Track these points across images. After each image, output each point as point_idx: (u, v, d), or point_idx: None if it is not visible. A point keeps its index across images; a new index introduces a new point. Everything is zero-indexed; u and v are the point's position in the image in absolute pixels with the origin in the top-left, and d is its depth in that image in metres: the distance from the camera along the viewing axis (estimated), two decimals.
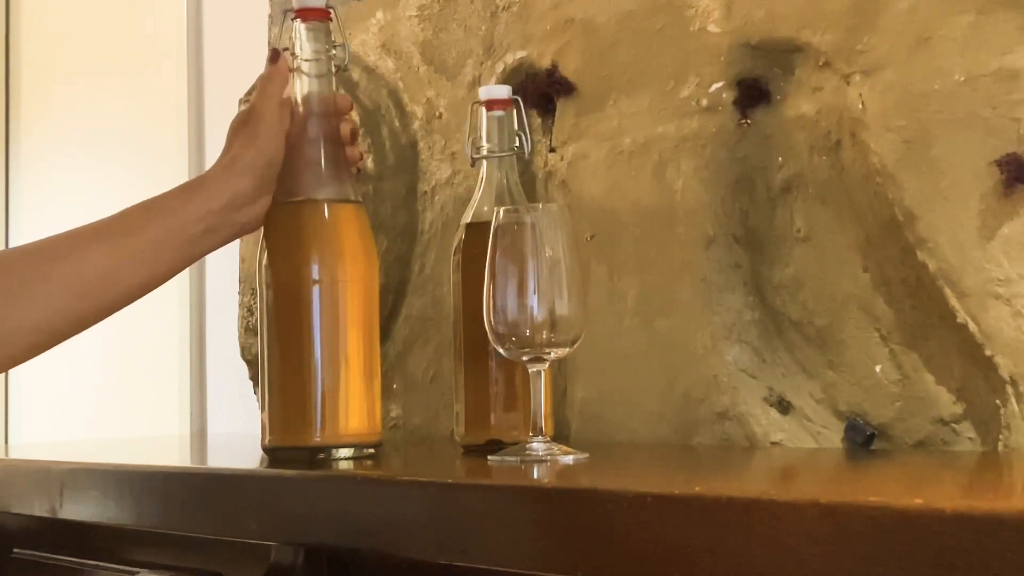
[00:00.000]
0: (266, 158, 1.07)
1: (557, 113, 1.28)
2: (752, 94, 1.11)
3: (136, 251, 1.03)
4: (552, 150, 1.29)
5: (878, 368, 1.03)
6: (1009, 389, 0.93)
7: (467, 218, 1.15)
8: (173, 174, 2.12)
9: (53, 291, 1.00)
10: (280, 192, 1.08)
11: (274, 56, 1.11)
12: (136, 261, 1.03)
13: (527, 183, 1.25)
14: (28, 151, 2.60)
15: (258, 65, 1.71)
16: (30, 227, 2.59)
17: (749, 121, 1.12)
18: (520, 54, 1.32)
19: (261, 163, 1.06)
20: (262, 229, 1.09)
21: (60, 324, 1.01)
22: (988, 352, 0.93)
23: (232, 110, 1.74)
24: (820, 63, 1.06)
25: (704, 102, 1.14)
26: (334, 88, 1.12)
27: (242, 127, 1.09)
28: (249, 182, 1.06)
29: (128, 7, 2.34)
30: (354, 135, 1.13)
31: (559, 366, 1.23)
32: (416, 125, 1.45)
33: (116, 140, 2.34)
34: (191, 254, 1.06)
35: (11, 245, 2.62)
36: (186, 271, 1.89)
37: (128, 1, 2.35)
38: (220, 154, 1.09)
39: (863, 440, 1.03)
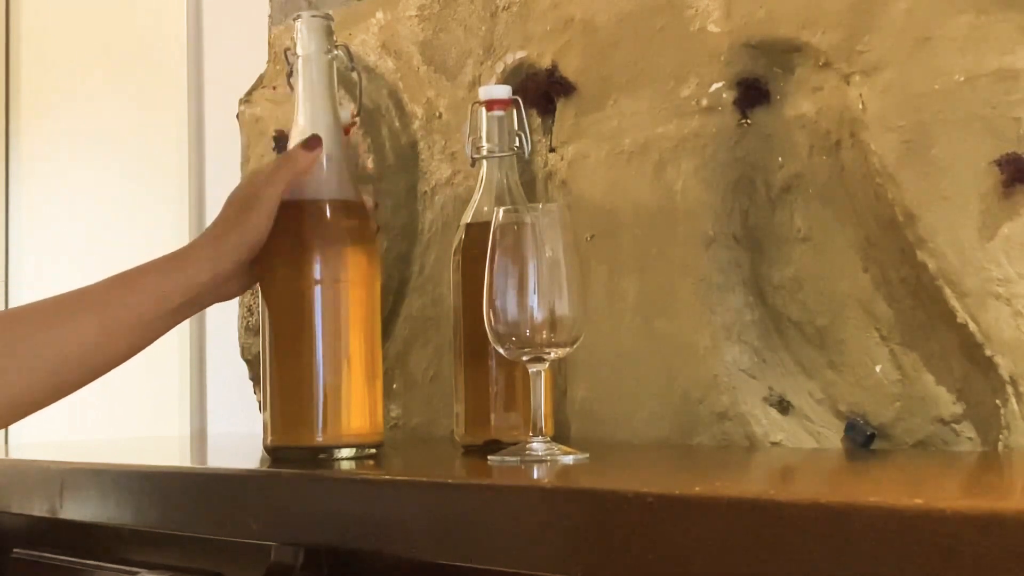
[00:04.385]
0: (250, 245, 1.06)
1: (557, 113, 1.28)
2: (752, 94, 1.11)
3: (118, 323, 1.02)
4: (552, 150, 1.29)
5: (878, 368, 1.03)
6: (1009, 389, 0.93)
7: (467, 218, 1.15)
8: (173, 174, 2.12)
9: (33, 363, 0.99)
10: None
11: (314, 144, 1.08)
12: (117, 333, 1.02)
13: (527, 183, 1.25)
14: (28, 151, 2.60)
15: (258, 65, 1.72)
16: (30, 227, 2.59)
17: (749, 121, 1.12)
18: (520, 54, 1.32)
19: (245, 249, 1.06)
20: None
21: (37, 396, 1.00)
22: (988, 352, 0.93)
23: (232, 110, 1.74)
24: (820, 63, 1.06)
25: (704, 102, 1.14)
26: (336, 88, 1.12)
27: (240, 204, 1.07)
28: (230, 264, 1.05)
29: (128, 7, 2.34)
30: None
31: (559, 366, 1.23)
32: (416, 125, 1.45)
33: (116, 140, 2.34)
34: (172, 323, 1.06)
35: (10, 247, 2.62)
36: None
37: (128, 1, 2.35)
38: (212, 222, 1.08)
39: (863, 440, 1.03)
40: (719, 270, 1.12)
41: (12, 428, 2.55)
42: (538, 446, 0.94)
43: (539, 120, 1.30)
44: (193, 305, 1.06)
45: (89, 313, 1.02)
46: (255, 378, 1.68)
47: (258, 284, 1.08)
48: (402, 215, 1.46)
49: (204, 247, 1.06)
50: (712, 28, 1.14)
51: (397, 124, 1.48)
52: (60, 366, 1.00)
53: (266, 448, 1.09)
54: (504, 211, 0.97)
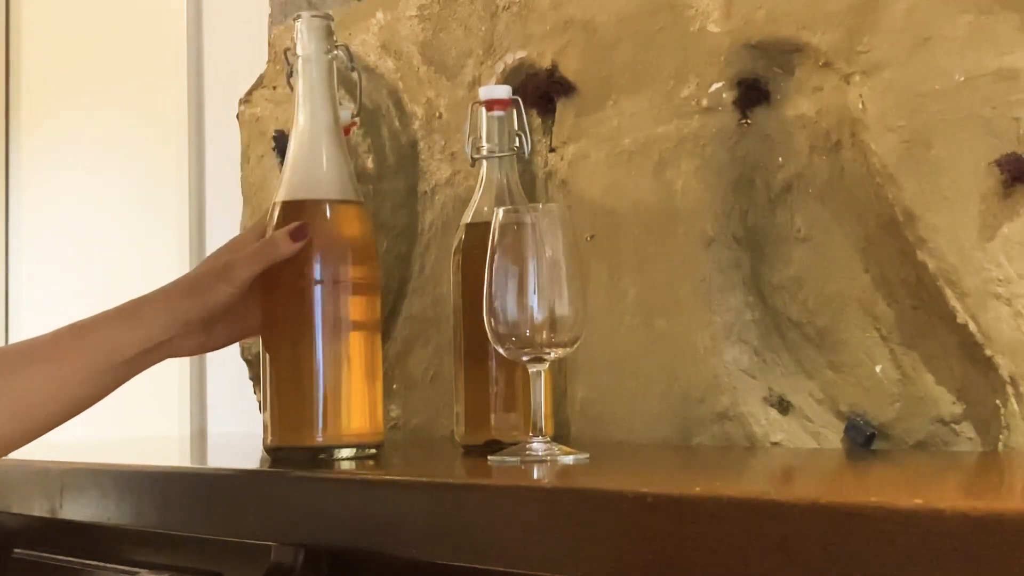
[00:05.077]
0: (209, 312, 1.05)
1: (557, 113, 1.28)
2: (752, 94, 1.11)
3: (71, 374, 1.01)
4: (552, 150, 1.29)
5: (878, 368, 1.03)
6: (1009, 389, 0.93)
7: (467, 218, 1.15)
8: (173, 174, 2.12)
9: None
10: (282, 191, 1.09)
11: (299, 234, 1.06)
12: (70, 384, 1.01)
13: (527, 183, 1.25)
14: (28, 152, 2.60)
15: (258, 65, 1.72)
16: (30, 228, 2.59)
17: (749, 121, 1.12)
18: (520, 54, 1.32)
19: (203, 313, 1.05)
20: (264, 230, 1.09)
21: None
22: (988, 352, 0.93)
23: (232, 110, 1.74)
24: (820, 63, 1.06)
25: (704, 102, 1.14)
26: (335, 87, 1.12)
27: (212, 269, 1.06)
28: (184, 324, 1.05)
29: (128, 8, 2.34)
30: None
31: (559, 366, 1.23)
32: (416, 125, 1.45)
33: (116, 140, 2.34)
34: (125, 375, 1.05)
35: (10, 249, 2.62)
36: (186, 268, 1.89)
37: (128, 2, 2.35)
38: (182, 277, 1.08)
39: (863, 440, 1.03)
40: (719, 270, 1.12)
41: None
42: (538, 446, 0.94)
43: (539, 120, 1.30)
44: (147, 358, 1.05)
45: (39, 363, 1.01)
46: (255, 378, 1.68)
47: (258, 283, 1.08)
48: (402, 215, 1.46)
49: (162, 302, 1.06)
50: (712, 28, 1.14)
51: (397, 124, 1.48)
52: (10, 418, 0.99)
53: (266, 448, 1.09)
54: (504, 211, 0.97)
